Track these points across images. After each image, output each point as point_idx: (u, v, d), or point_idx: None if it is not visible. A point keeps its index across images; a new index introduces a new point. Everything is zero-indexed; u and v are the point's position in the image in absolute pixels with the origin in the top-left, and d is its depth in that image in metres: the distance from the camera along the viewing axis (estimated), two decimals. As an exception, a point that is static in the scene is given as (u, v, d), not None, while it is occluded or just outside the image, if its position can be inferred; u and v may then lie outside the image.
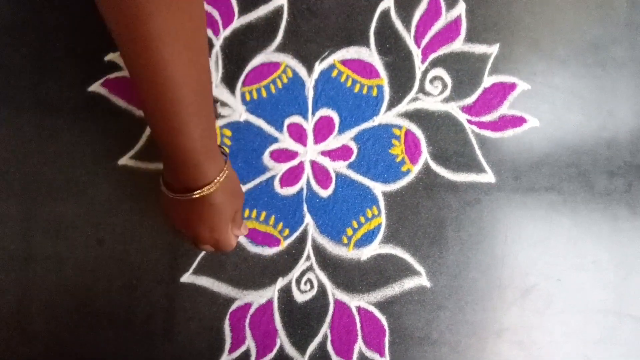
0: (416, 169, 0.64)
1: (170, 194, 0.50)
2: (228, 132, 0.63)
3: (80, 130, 0.64)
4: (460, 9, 0.65)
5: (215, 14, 0.64)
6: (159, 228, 0.63)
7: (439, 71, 0.65)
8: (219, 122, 0.64)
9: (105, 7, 0.36)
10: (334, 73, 0.64)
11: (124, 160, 0.63)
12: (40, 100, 0.64)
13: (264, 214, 0.63)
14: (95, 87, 0.64)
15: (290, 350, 0.63)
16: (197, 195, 0.48)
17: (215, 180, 0.47)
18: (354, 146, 0.64)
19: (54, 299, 0.63)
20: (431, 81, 0.65)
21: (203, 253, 0.63)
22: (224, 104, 0.64)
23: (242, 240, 0.63)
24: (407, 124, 0.65)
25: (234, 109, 0.64)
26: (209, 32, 0.64)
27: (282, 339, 0.63)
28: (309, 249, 0.64)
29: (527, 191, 0.65)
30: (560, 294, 0.64)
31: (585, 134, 0.66)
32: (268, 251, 0.63)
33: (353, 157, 0.64)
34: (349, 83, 0.64)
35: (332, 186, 0.64)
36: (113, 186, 0.63)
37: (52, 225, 0.63)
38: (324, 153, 0.64)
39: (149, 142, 0.64)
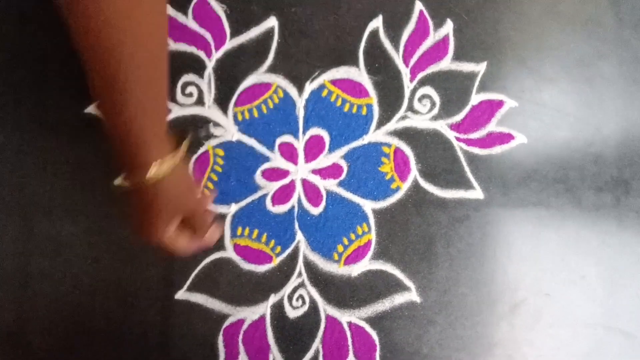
0: (405, 186, 0.65)
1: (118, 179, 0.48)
2: (221, 152, 0.65)
3: (78, 150, 0.65)
4: (448, 28, 0.67)
5: (208, 37, 0.65)
6: (153, 247, 0.64)
7: (428, 90, 0.66)
8: (212, 142, 0.65)
9: None
10: (324, 93, 0.65)
11: (119, 181, 0.65)
12: (38, 122, 0.65)
13: (256, 231, 0.65)
14: (92, 108, 0.65)
15: (282, 365, 0.64)
16: (129, 183, 0.44)
17: (152, 167, 0.43)
18: (344, 164, 0.65)
19: (51, 316, 0.64)
20: (420, 99, 0.66)
21: (197, 270, 0.64)
22: (216, 124, 0.65)
23: (235, 257, 0.65)
24: (396, 142, 0.66)
25: (227, 129, 0.65)
26: (202, 55, 0.65)
27: (275, 355, 0.64)
28: (300, 265, 0.65)
29: (515, 207, 0.66)
30: (549, 309, 0.65)
31: (573, 149, 0.67)
32: (260, 268, 0.65)
33: (343, 175, 0.65)
34: (339, 102, 0.65)
35: (323, 204, 0.65)
36: (109, 206, 0.65)
37: (49, 244, 0.64)
38: (314, 171, 0.65)
39: (143, 162, 0.65)
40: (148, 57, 0.40)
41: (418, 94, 0.66)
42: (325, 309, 0.65)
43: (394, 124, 0.66)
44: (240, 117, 0.65)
